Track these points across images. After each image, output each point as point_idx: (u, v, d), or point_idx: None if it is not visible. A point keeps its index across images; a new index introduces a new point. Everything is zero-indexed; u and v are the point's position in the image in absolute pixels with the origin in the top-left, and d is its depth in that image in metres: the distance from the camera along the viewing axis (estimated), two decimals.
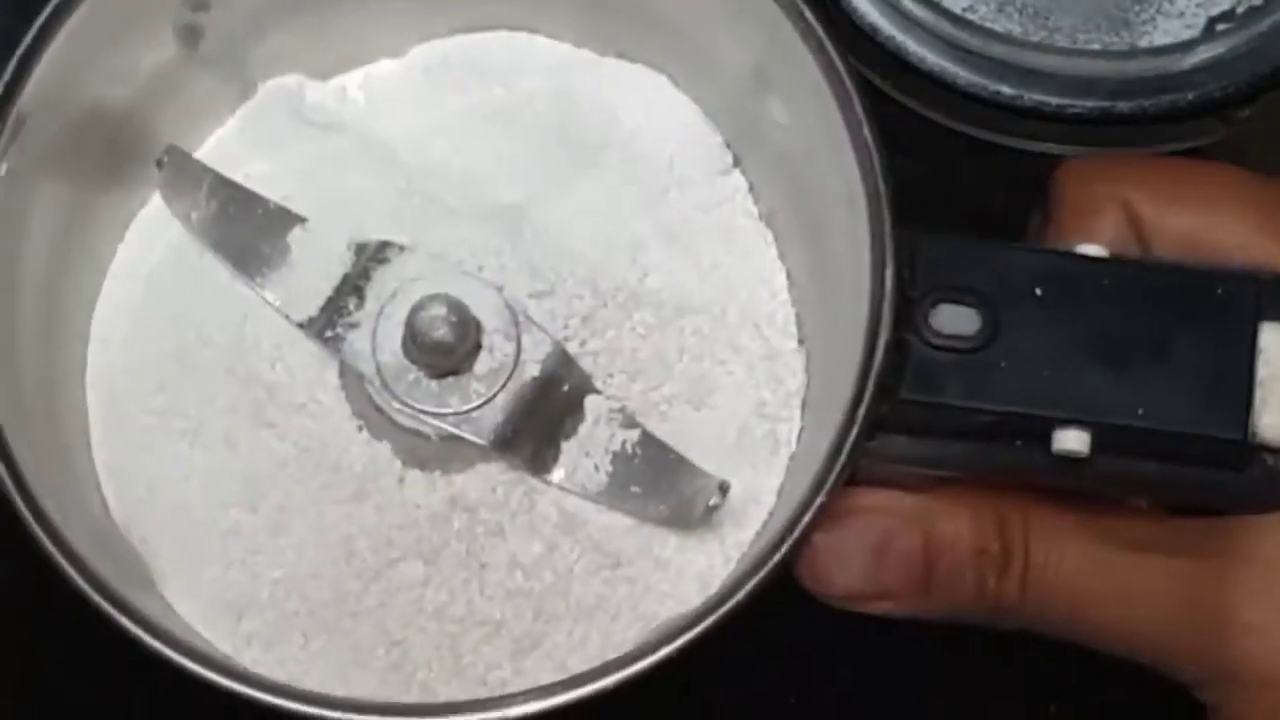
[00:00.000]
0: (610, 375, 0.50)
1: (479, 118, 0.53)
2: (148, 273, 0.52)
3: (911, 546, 0.46)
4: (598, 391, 0.49)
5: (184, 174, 0.51)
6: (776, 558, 0.43)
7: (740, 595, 0.43)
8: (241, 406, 0.50)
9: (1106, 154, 0.53)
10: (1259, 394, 0.44)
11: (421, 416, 0.48)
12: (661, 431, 0.49)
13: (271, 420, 0.50)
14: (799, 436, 0.50)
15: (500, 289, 0.49)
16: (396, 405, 0.49)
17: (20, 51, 0.46)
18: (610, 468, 0.49)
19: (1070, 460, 0.44)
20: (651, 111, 0.53)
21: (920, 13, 0.55)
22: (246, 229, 0.51)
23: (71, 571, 0.43)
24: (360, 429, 0.50)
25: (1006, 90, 0.55)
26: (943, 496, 0.46)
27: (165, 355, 0.51)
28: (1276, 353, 0.44)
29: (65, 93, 0.48)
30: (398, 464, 0.50)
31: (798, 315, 0.51)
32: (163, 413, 0.50)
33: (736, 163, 0.52)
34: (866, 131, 0.44)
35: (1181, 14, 0.56)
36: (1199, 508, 0.46)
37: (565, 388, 0.49)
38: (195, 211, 0.51)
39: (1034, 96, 0.54)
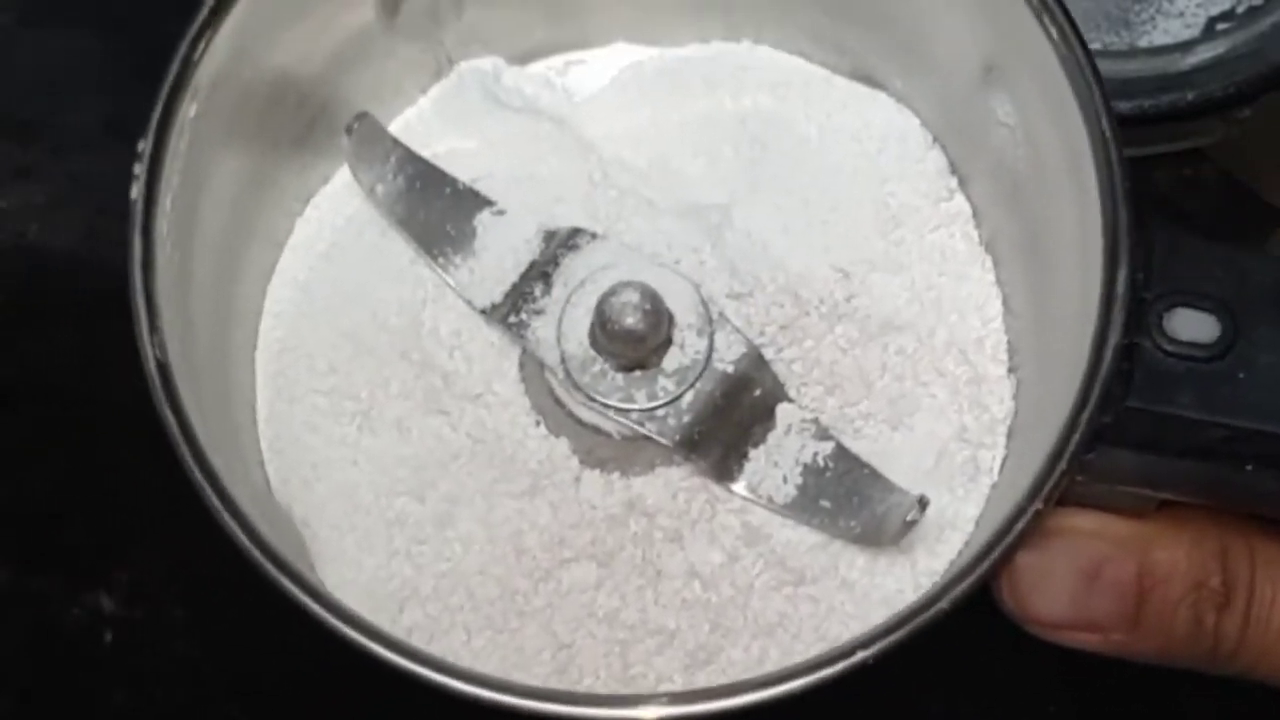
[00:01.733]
0: (805, 385, 0.47)
1: (684, 121, 0.51)
2: (326, 249, 0.50)
3: (1124, 574, 0.43)
4: (790, 400, 0.47)
5: (373, 144, 0.49)
6: (984, 566, 0.40)
7: (942, 603, 0.40)
8: (415, 393, 0.48)
9: None
10: None
11: (605, 411, 0.46)
12: (855, 449, 0.46)
13: (446, 408, 0.47)
14: (1002, 465, 0.47)
15: (697, 285, 0.47)
16: (579, 398, 0.46)
17: (201, 16, 0.44)
18: (800, 479, 0.46)
19: None
20: (872, 132, 0.50)
21: None
22: (433, 208, 0.48)
23: (241, 535, 0.41)
24: (538, 424, 0.47)
25: None
26: (1160, 523, 0.43)
27: (339, 335, 0.48)
28: None
29: (251, 58, 0.46)
30: (575, 462, 0.47)
31: (1010, 343, 0.48)
32: (332, 393, 0.48)
33: (961, 184, 0.50)
34: (1105, 123, 0.42)
35: (1181, 14, 0.56)
36: None
37: (757, 393, 0.46)
38: (381, 185, 0.49)
39: None
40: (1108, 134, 0.41)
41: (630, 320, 0.45)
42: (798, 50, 0.51)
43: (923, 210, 0.49)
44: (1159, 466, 0.41)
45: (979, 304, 0.48)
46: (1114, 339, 0.40)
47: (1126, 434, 0.41)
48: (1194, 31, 0.56)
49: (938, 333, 0.48)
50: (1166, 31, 0.56)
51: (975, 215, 0.49)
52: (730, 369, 0.46)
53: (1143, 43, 0.55)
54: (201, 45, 0.43)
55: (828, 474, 0.46)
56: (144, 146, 0.42)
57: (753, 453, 0.46)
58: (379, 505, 0.47)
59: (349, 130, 0.49)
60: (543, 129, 0.50)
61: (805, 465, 0.46)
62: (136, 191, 0.42)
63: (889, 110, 0.50)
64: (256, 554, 0.40)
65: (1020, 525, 0.40)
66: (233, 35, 0.44)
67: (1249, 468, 0.41)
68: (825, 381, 0.47)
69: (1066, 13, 0.42)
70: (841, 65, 0.51)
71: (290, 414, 0.48)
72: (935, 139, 0.50)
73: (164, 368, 0.41)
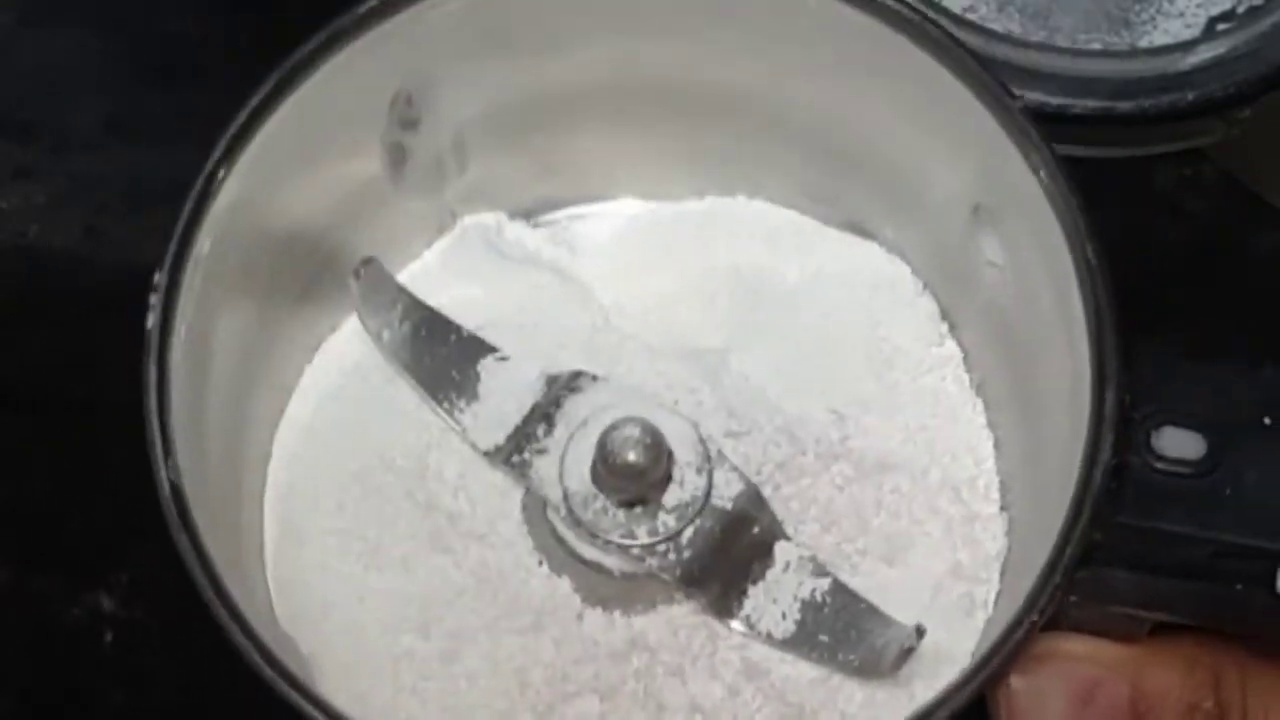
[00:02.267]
0: (802, 523, 0.49)
1: (681, 271, 0.52)
2: (334, 394, 0.51)
3: (1118, 698, 0.43)
4: (788, 538, 0.48)
5: (380, 290, 0.50)
6: (981, 677, 0.41)
7: (940, 713, 0.41)
8: (421, 532, 0.49)
9: None
10: None
11: (607, 547, 0.47)
12: (852, 584, 0.47)
13: (450, 547, 0.48)
14: (996, 600, 0.48)
15: (696, 424, 0.48)
16: (581, 535, 0.47)
17: (216, 155, 0.45)
18: (798, 615, 0.47)
19: None
20: (864, 279, 0.52)
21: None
22: (438, 354, 0.50)
23: (255, 654, 0.41)
24: (541, 563, 0.48)
25: None
26: (1153, 648, 0.44)
27: (347, 476, 0.49)
28: None
29: (261, 201, 0.47)
30: (577, 600, 0.48)
31: (1002, 482, 0.49)
32: (341, 533, 0.49)
33: (951, 329, 0.51)
34: (1090, 250, 0.43)
35: (1181, 14, 0.56)
36: None
37: (756, 530, 0.47)
38: (387, 330, 0.50)
39: (1034, 96, 0.53)
40: (1093, 262, 0.43)
41: (631, 455, 0.46)
42: (791, 203, 0.53)
43: (915, 354, 0.51)
44: (1150, 585, 0.42)
45: (971, 445, 0.50)
46: (1104, 457, 0.41)
47: (1117, 551, 0.42)
48: (1194, 31, 0.56)
49: (931, 472, 0.49)
50: (1166, 31, 0.56)
51: (966, 360, 0.51)
52: (729, 506, 0.47)
53: (1143, 43, 0.56)
54: (216, 182, 0.45)
55: (825, 609, 0.47)
56: (160, 279, 0.43)
57: (751, 589, 0.47)
58: (385, 642, 0.48)
59: (356, 274, 0.50)
60: (544, 279, 0.52)
61: (804, 601, 0.47)
62: (152, 321, 0.43)
63: (880, 259, 0.52)
64: (268, 671, 0.41)
65: (1016, 637, 0.41)
66: (244, 175, 0.45)
67: (1239, 587, 0.42)
68: (822, 519, 0.49)
69: (1050, 147, 0.44)
70: (834, 216, 0.52)
71: (298, 555, 0.49)
72: (926, 285, 0.51)
73: (178, 491, 0.42)
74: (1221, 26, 0.56)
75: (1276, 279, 0.62)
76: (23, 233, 0.65)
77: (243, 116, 0.45)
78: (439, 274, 0.53)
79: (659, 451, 0.46)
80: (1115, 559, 0.42)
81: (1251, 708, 0.43)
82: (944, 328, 0.51)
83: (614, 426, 0.46)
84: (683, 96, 0.51)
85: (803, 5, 0.47)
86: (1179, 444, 0.42)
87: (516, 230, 0.53)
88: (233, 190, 0.45)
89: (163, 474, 0.41)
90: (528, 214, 0.53)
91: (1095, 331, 0.43)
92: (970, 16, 0.55)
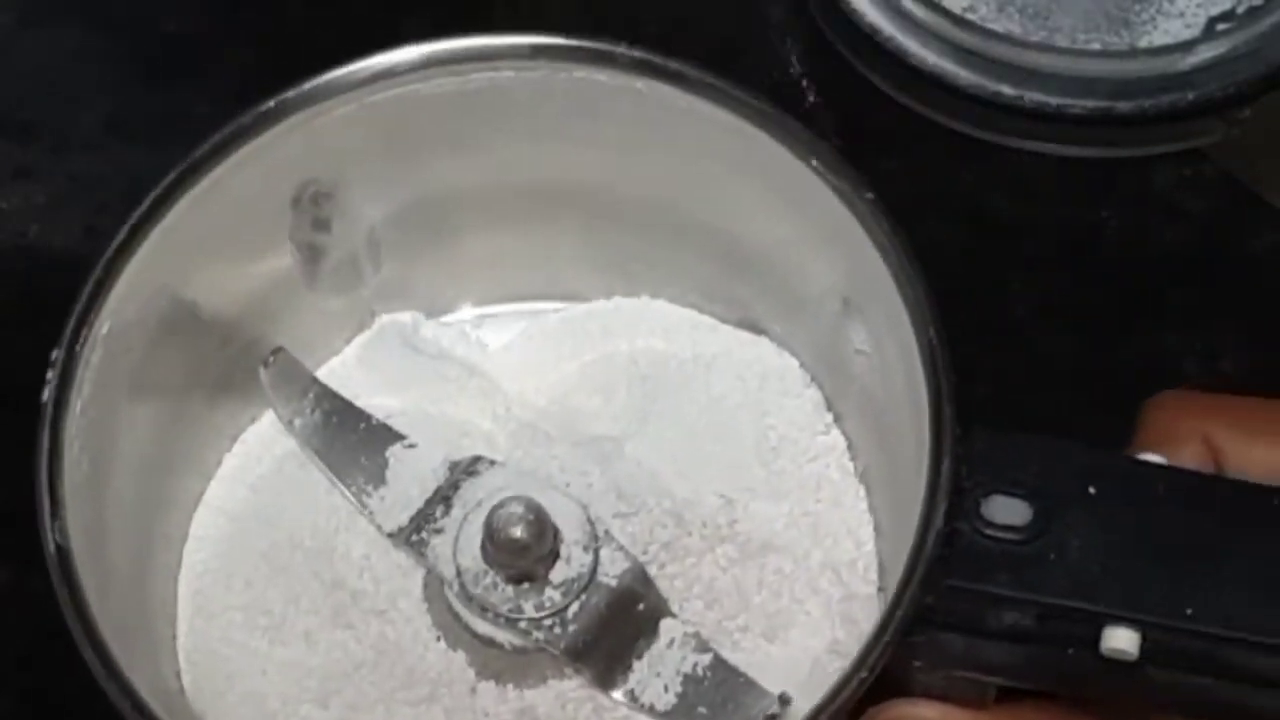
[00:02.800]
0: (686, 600, 0.51)
1: (583, 364, 0.55)
2: (251, 480, 0.54)
3: None
4: (674, 615, 0.50)
5: (291, 379, 0.53)
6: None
7: None
8: (324, 608, 0.51)
9: (1192, 393, 0.52)
10: None
11: (497, 621, 0.49)
12: (733, 659, 0.50)
13: (352, 623, 0.51)
14: None
15: (585, 506, 0.50)
16: (474, 610, 0.49)
17: (117, 241, 0.48)
18: (680, 688, 0.49)
19: (1120, 664, 0.43)
20: (755, 371, 0.54)
21: (921, 14, 0.56)
22: (348, 442, 0.53)
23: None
24: (438, 639, 0.51)
25: (1006, 90, 0.56)
26: (999, 713, 0.46)
27: (257, 555, 0.52)
28: None
29: (162, 296, 0.50)
30: (471, 674, 0.50)
31: (881, 562, 0.51)
32: (247, 608, 0.51)
33: (836, 419, 0.54)
34: (933, 332, 0.46)
35: (1181, 14, 0.57)
36: None
37: (641, 606, 0.50)
38: (299, 419, 0.53)
39: (1034, 96, 0.55)
40: (934, 341, 0.45)
41: (516, 531, 0.48)
42: (690, 303, 0.56)
43: (801, 443, 0.53)
44: (983, 648, 0.44)
45: (852, 529, 0.52)
46: (937, 524, 0.44)
47: (950, 614, 0.44)
48: (1194, 31, 0.57)
49: (813, 555, 0.51)
50: (1166, 31, 0.57)
51: (850, 448, 0.53)
52: (614, 583, 0.50)
53: (1143, 43, 0.56)
54: (116, 266, 0.48)
55: (706, 683, 0.49)
56: (57, 355, 0.47)
57: (636, 663, 0.50)
58: (285, 711, 0.50)
59: (265, 364, 0.53)
60: (454, 372, 0.55)
61: (685, 675, 0.49)
62: (48, 395, 0.46)
63: (770, 353, 0.55)
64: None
65: (844, 694, 0.43)
66: (146, 262, 0.48)
67: (1068, 650, 0.44)
68: (705, 596, 0.51)
69: (899, 233, 0.47)
70: (729, 315, 0.55)
71: (207, 629, 0.52)
72: (813, 378, 0.54)
73: (63, 552, 0.45)
74: (1221, 26, 0.57)
75: (1276, 279, 0.62)
76: (23, 233, 0.66)
77: (145, 205, 0.49)
78: (356, 369, 0.55)
79: (543, 527, 0.49)
80: (948, 622, 0.44)
81: None
82: (829, 418, 0.54)
83: (500, 504, 0.49)
84: (588, 199, 0.54)
85: (673, 103, 0.50)
86: (1007, 511, 0.44)
87: (432, 329, 0.56)
88: (135, 275, 0.48)
89: (49, 535, 0.45)
90: (442, 313, 0.56)
91: (934, 405, 0.45)
92: (970, 16, 0.57)
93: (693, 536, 0.51)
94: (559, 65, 0.50)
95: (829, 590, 0.51)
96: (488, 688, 0.50)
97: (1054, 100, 0.55)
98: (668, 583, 0.51)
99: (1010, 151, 0.59)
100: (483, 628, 0.50)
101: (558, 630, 0.49)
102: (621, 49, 0.50)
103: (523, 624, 0.49)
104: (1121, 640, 0.43)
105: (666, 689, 0.49)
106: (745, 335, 0.55)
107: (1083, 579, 0.43)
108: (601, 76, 0.50)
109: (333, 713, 0.50)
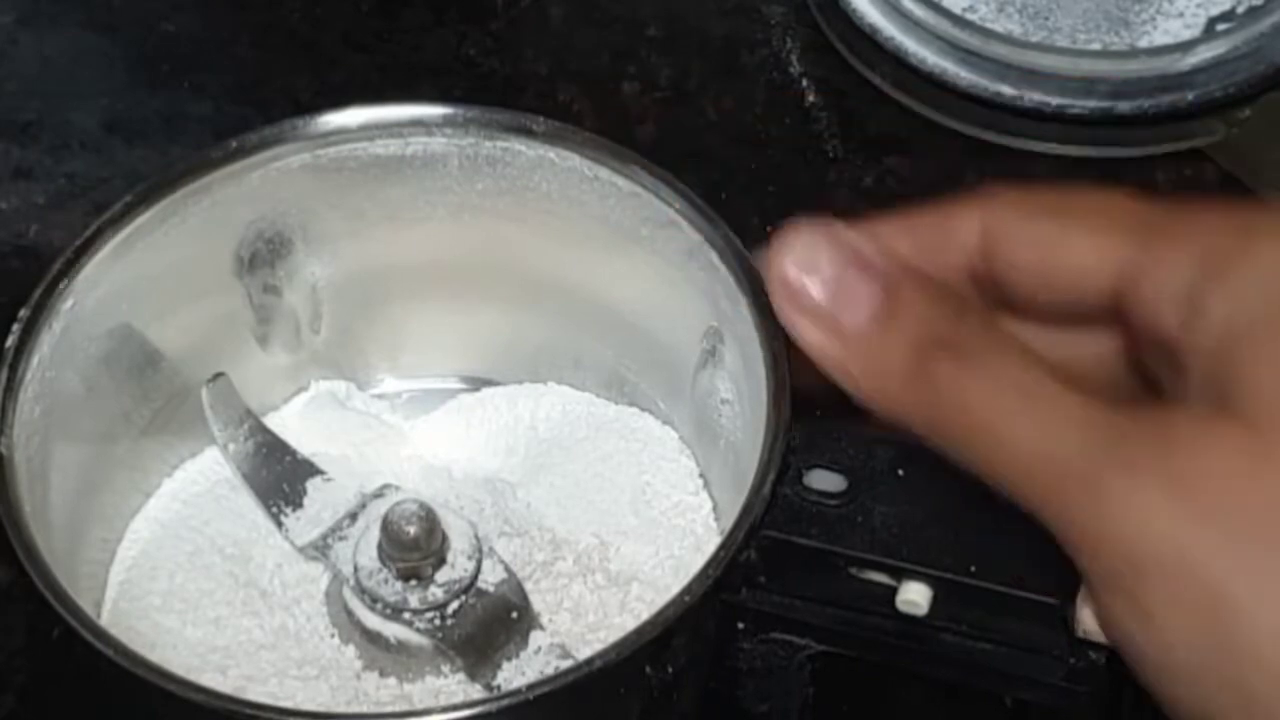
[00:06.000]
0: (556, 614, 0.57)
1: (490, 431, 0.62)
2: (186, 498, 0.60)
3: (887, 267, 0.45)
4: (543, 628, 0.56)
5: (229, 406, 0.60)
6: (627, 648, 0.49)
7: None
8: (235, 601, 0.57)
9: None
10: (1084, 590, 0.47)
11: (385, 613, 0.55)
12: None
13: (258, 613, 0.57)
14: None
15: (474, 524, 0.57)
16: (365, 604, 0.56)
17: (60, 263, 0.55)
18: None
19: (915, 623, 0.49)
20: (638, 437, 0.62)
21: (921, 13, 0.58)
22: (274, 470, 0.60)
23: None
24: (333, 635, 0.57)
25: (1006, 90, 0.57)
26: None
27: (182, 555, 0.59)
28: None
29: (112, 315, 0.57)
30: (359, 665, 0.56)
31: None
32: (166, 595, 0.58)
33: (705, 485, 0.61)
34: (778, 344, 0.52)
35: (1181, 14, 0.58)
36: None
37: (514, 615, 0.56)
38: (233, 444, 0.60)
39: (1034, 96, 0.56)
40: (778, 354, 0.52)
41: (409, 527, 0.55)
42: (587, 388, 0.63)
43: (673, 499, 0.60)
44: (796, 610, 0.51)
45: None
46: (766, 488, 0.50)
47: (768, 571, 0.50)
48: (1194, 31, 0.57)
49: (673, 588, 0.57)
50: (1166, 31, 0.58)
51: (715, 509, 0.60)
52: (492, 590, 0.56)
53: (1143, 43, 0.57)
54: (58, 289, 0.55)
55: None
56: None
57: (506, 664, 0.55)
58: (190, 677, 0.55)
59: (208, 383, 0.60)
60: (377, 427, 0.62)
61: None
62: None
63: (652, 425, 0.62)
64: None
65: (668, 614, 0.49)
66: (90, 285, 0.56)
67: (869, 612, 0.50)
68: (573, 611, 0.57)
69: (756, 272, 0.53)
70: (621, 397, 0.63)
71: (129, 609, 0.58)
72: (689, 448, 0.61)
73: (7, 460, 0.52)
74: (1221, 26, 0.58)
75: None
76: (23, 233, 0.67)
77: (78, 242, 0.56)
78: (291, 422, 0.63)
79: (433, 526, 0.55)
80: (767, 583, 0.50)
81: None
82: (700, 483, 0.60)
83: (397, 504, 0.56)
84: (508, 280, 0.62)
85: (581, 171, 0.58)
86: (825, 481, 0.51)
87: (363, 400, 0.63)
88: (81, 306, 0.56)
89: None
90: (373, 386, 0.64)
91: (773, 396, 0.52)
92: (970, 17, 0.59)
93: (567, 561, 0.58)
94: (485, 134, 0.58)
95: None
96: (371, 676, 0.56)
97: (1054, 100, 0.56)
98: (540, 598, 0.57)
99: (1010, 151, 0.60)
100: (372, 621, 0.56)
101: (437, 623, 0.55)
102: (540, 122, 0.58)
103: (407, 615, 0.55)
104: (914, 593, 0.49)
105: None
106: (632, 411, 0.62)
107: (883, 538, 0.49)
108: (521, 146, 0.58)
109: (231, 680, 0.56)
